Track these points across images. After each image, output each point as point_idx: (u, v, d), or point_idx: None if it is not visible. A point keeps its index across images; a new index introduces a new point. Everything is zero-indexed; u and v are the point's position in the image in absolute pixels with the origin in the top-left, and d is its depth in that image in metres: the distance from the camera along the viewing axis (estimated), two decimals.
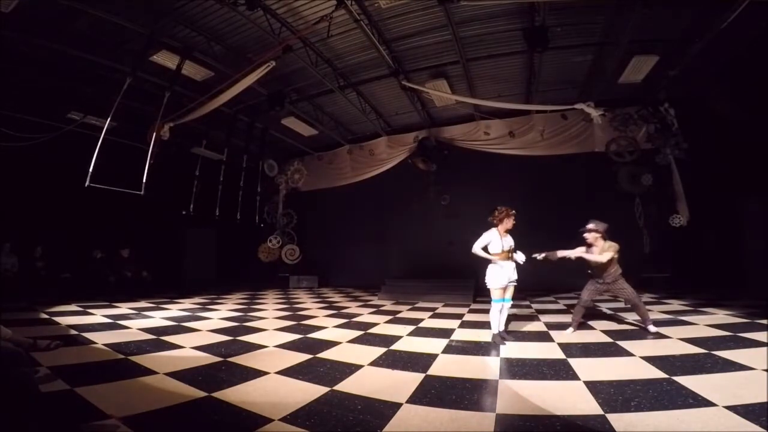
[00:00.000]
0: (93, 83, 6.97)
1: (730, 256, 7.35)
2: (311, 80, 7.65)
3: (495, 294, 4.01)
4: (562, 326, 4.76)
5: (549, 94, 7.87)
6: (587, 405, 2.33)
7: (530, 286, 8.76)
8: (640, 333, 4.24)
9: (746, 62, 6.08)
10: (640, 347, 3.57)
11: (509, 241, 4.08)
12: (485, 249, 4.05)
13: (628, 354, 3.41)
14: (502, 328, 4.12)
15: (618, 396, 2.43)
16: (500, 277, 3.99)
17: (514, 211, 4.09)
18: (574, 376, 2.88)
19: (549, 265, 4.28)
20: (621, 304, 6.46)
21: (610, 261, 4.18)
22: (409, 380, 2.90)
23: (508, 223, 4.06)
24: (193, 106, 6.89)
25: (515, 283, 4.12)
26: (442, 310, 6.60)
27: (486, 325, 5.05)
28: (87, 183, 5.85)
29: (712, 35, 5.38)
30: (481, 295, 8.15)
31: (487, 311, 6.22)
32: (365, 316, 6.11)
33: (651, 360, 3.14)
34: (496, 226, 4.07)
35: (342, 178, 11.41)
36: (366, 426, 2.15)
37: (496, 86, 8.01)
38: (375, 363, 3.40)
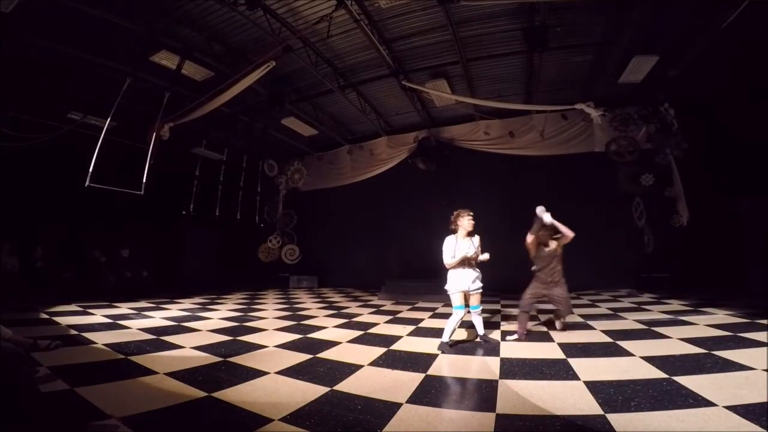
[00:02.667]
0: (93, 83, 6.97)
1: (730, 257, 7.35)
2: (311, 80, 7.66)
3: (455, 300, 3.81)
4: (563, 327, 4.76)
5: (549, 94, 7.87)
6: (587, 405, 2.33)
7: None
8: (640, 333, 4.23)
9: (746, 62, 6.07)
10: (640, 347, 3.57)
11: (468, 246, 3.84)
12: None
13: (628, 354, 3.41)
14: (447, 339, 3.81)
15: (618, 396, 2.43)
16: (459, 281, 3.81)
17: (470, 212, 3.92)
18: (574, 376, 2.87)
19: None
20: (621, 305, 6.46)
21: (557, 256, 4.11)
22: (409, 380, 2.90)
23: (465, 224, 3.87)
24: (193, 106, 6.88)
25: (480, 290, 3.92)
26: (442, 310, 6.59)
27: (487, 325, 5.07)
28: (87, 183, 5.85)
29: (712, 35, 5.39)
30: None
31: (487, 311, 6.25)
32: (365, 316, 6.11)
33: (651, 360, 3.14)
34: (454, 231, 3.92)
35: (342, 178, 11.42)
36: (366, 426, 2.15)
37: (496, 86, 8.02)
38: (375, 363, 3.41)
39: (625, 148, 8.20)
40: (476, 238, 3.96)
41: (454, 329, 3.84)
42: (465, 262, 3.85)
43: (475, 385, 2.82)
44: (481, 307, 4.02)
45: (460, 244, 3.85)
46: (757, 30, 5.13)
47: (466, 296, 3.89)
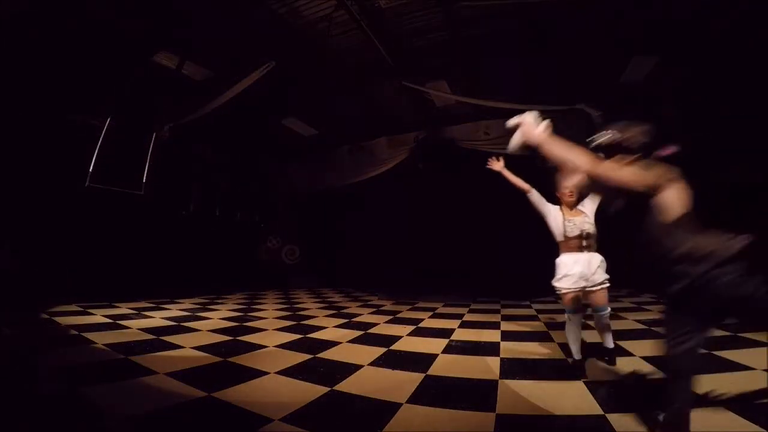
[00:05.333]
0: (93, 83, 6.97)
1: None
2: (311, 80, 7.65)
3: (564, 301, 3.02)
4: (562, 326, 4.75)
5: (549, 94, 7.86)
6: (587, 405, 2.33)
7: (531, 287, 8.79)
8: (640, 333, 4.24)
9: (746, 62, 6.08)
10: (640, 347, 3.58)
11: (579, 224, 2.87)
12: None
13: (629, 354, 3.41)
14: (577, 355, 2.98)
15: (618, 396, 2.43)
16: (565, 273, 2.96)
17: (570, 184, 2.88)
18: (574, 376, 2.88)
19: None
20: (621, 305, 6.46)
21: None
22: (409, 380, 2.90)
23: (568, 193, 2.91)
24: (193, 106, 6.89)
25: (602, 286, 2.88)
26: (442, 310, 6.60)
27: (486, 325, 5.07)
28: (87, 183, 5.86)
29: (713, 35, 5.40)
30: (481, 295, 8.16)
31: (487, 311, 6.26)
32: (365, 316, 6.11)
33: (651, 360, 3.14)
34: (559, 201, 3.00)
35: (342, 178, 11.41)
36: (366, 426, 2.15)
37: (496, 86, 8.01)
38: (375, 363, 3.40)
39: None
40: (588, 203, 2.88)
41: (575, 340, 3.01)
42: (576, 245, 2.91)
43: (475, 385, 2.82)
44: (608, 309, 2.95)
45: (565, 221, 2.91)
46: (758, 30, 5.13)
47: (581, 294, 2.95)
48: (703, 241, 1.53)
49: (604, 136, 1.98)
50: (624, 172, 1.65)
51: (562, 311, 6.04)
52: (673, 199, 1.60)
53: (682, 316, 1.58)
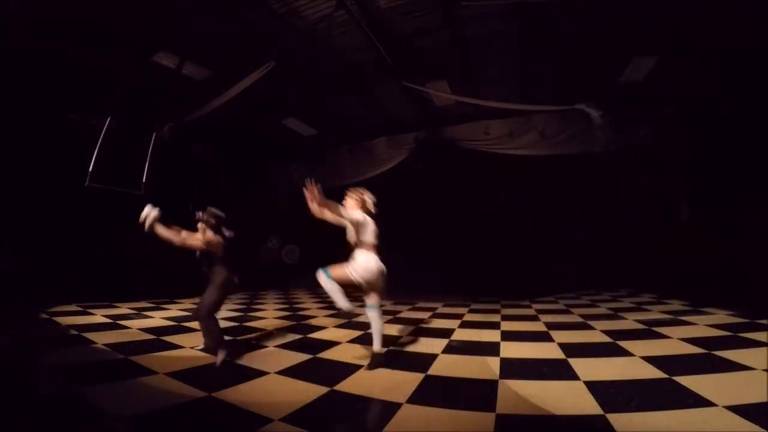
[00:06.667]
0: (92, 83, 6.97)
1: (730, 255, 7.35)
2: (311, 80, 7.65)
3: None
4: (562, 326, 4.77)
5: (549, 94, 7.86)
6: (587, 405, 2.33)
7: (531, 287, 8.80)
8: (640, 333, 4.23)
9: (744, 61, 6.08)
10: (640, 347, 3.57)
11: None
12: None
13: (628, 354, 3.41)
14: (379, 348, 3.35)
15: (618, 396, 2.43)
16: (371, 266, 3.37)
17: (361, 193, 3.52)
18: (574, 376, 2.87)
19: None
20: (621, 305, 6.46)
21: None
22: (409, 380, 2.90)
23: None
24: (193, 105, 6.88)
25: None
26: (442, 310, 6.59)
27: (486, 325, 5.08)
28: (87, 183, 5.86)
29: (713, 35, 5.39)
30: (481, 294, 8.16)
31: (487, 311, 6.25)
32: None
33: (651, 360, 3.14)
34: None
35: (342, 178, 11.40)
36: (366, 426, 2.15)
37: (496, 86, 8.01)
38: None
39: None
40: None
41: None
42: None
43: (475, 385, 2.82)
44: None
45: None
46: (758, 29, 5.13)
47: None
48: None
49: (204, 213, 3.81)
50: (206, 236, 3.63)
51: (562, 311, 6.07)
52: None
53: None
